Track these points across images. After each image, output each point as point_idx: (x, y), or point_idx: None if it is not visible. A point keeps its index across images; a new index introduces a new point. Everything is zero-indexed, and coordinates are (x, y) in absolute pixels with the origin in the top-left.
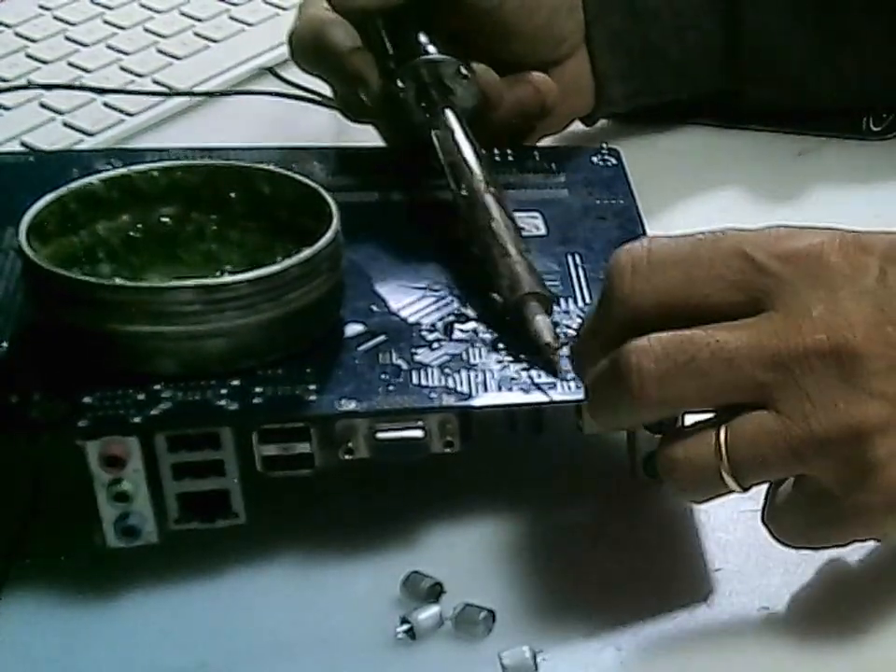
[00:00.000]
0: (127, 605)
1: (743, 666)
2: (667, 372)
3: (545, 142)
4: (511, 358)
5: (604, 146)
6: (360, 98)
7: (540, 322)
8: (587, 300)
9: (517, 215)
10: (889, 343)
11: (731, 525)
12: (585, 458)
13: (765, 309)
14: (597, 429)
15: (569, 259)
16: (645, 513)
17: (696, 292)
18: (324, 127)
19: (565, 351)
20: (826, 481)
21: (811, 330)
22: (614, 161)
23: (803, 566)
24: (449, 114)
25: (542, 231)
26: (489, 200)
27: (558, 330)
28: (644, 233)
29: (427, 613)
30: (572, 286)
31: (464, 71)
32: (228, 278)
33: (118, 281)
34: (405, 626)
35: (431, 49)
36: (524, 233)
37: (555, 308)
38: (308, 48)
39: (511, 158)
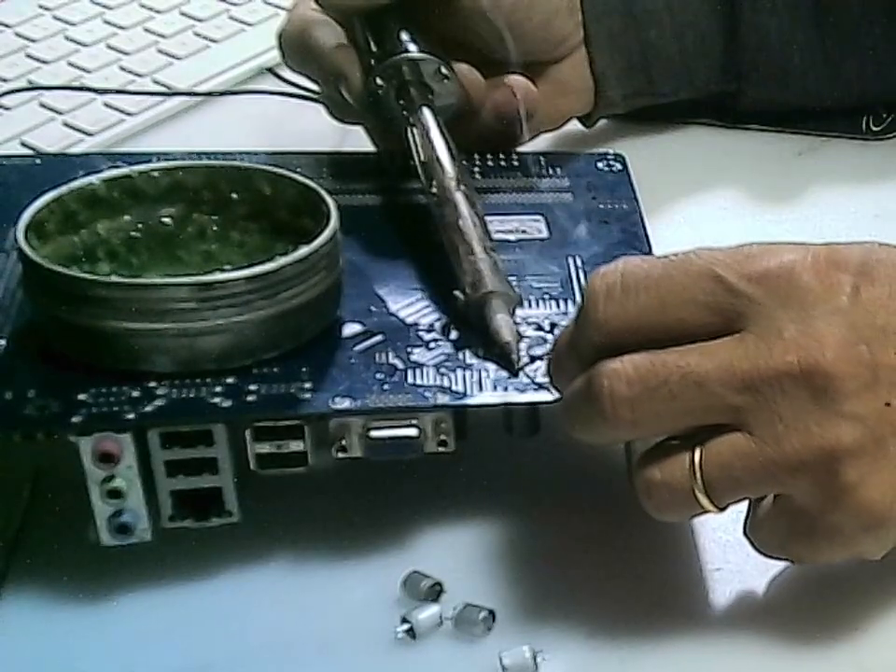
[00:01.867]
0: (126, 605)
1: (743, 666)
2: (639, 396)
3: (550, 147)
4: None
5: (609, 151)
6: (343, 97)
7: (500, 321)
8: None
9: (520, 217)
10: (861, 363)
11: (731, 525)
12: (583, 458)
13: (739, 330)
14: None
15: (570, 261)
16: (644, 513)
17: (669, 316)
18: (324, 126)
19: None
20: (801, 500)
21: (782, 352)
22: (619, 167)
23: (803, 566)
24: (426, 112)
25: (544, 233)
26: (458, 197)
27: (522, 329)
28: (647, 237)
29: (427, 613)
30: (572, 288)
31: (444, 70)
32: (223, 275)
33: (113, 277)
34: (405, 626)
35: (412, 47)
36: (525, 236)
37: (555, 309)
38: (294, 46)
39: (516, 162)
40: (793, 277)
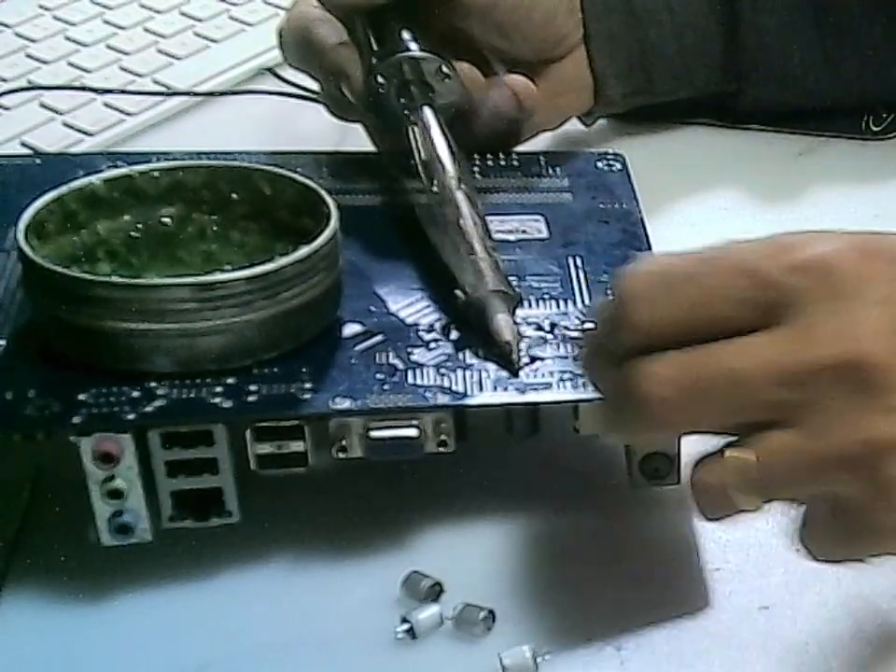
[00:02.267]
0: (126, 605)
1: (743, 666)
2: (680, 397)
3: (550, 146)
4: None
5: (609, 151)
6: (344, 94)
7: (501, 321)
8: (587, 301)
9: (520, 217)
10: None
11: (731, 525)
12: (583, 458)
13: (777, 323)
14: (595, 431)
15: (570, 261)
16: (643, 513)
17: (706, 313)
18: (325, 126)
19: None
20: (850, 496)
21: (823, 345)
22: (619, 166)
23: (803, 566)
24: (427, 111)
25: (544, 233)
26: (459, 197)
27: (522, 329)
28: (647, 237)
29: (427, 613)
30: (572, 288)
31: (445, 69)
32: (224, 276)
33: (113, 278)
34: (405, 626)
35: (413, 46)
36: (525, 236)
37: (555, 309)
38: (295, 43)
39: (515, 162)
40: (831, 267)
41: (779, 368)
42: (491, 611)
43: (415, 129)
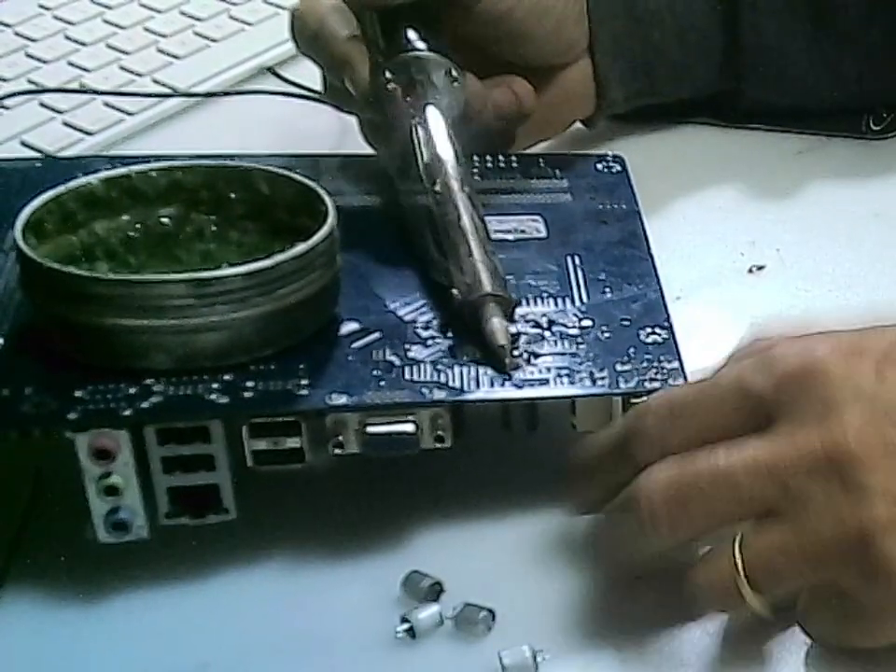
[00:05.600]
0: (125, 604)
1: (743, 667)
2: (674, 498)
3: (549, 147)
4: None
5: (608, 153)
6: (347, 87)
7: (496, 324)
8: (584, 300)
9: (519, 217)
10: (887, 443)
11: None
12: None
13: (769, 427)
14: (592, 427)
15: (568, 260)
16: None
17: (707, 428)
18: (324, 126)
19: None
20: (844, 583)
21: (806, 440)
22: (619, 168)
23: None
24: (433, 111)
25: (543, 233)
26: (461, 198)
27: (514, 331)
28: (646, 238)
29: (427, 613)
30: (570, 286)
31: (454, 73)
32: (221, 272)
33: (110, 275)
34: (405, 626)
35: (422, 45)
36: (524, 236)
37: (552, 307)
38: (305, 30)
39: (515, 164)
40: (817, 375)
41: (761, 463)
42: (491, 611)
43: (419, 128)
